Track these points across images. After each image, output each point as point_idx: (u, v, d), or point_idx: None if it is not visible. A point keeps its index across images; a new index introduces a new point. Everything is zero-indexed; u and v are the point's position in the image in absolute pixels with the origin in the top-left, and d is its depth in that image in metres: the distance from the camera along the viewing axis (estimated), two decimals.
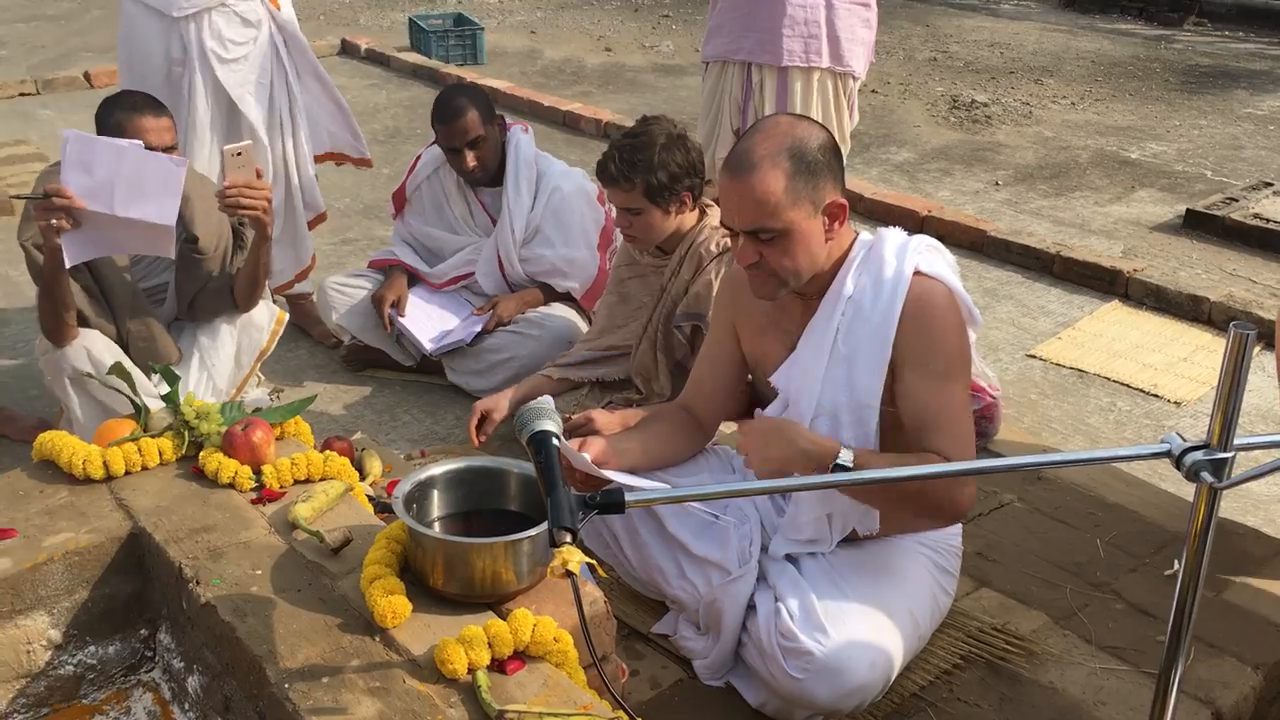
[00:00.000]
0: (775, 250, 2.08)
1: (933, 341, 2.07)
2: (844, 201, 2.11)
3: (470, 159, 3.56)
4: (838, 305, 2.14)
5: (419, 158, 3.83)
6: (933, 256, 2.17)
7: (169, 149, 2.91)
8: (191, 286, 3.16)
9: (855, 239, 2.19)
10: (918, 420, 2.06)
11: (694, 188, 3.04)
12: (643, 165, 2.92)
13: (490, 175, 3.66)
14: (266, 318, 3.28)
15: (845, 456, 1.97)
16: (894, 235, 2.18)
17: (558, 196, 3.66)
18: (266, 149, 3.73)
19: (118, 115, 2.92)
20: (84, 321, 3.00)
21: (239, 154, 2.88)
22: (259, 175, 2.91)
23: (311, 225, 4.02)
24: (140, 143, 2.76)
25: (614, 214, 3.79)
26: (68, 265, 2.78)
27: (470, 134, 3.53)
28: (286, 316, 3.37)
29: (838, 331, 2.14)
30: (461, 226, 3.81)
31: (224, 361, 3.20)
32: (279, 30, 3.68)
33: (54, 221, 2.65)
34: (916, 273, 2.11)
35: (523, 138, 3.70)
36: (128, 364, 2.84)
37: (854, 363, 2.12)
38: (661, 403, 3.13)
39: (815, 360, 2.16)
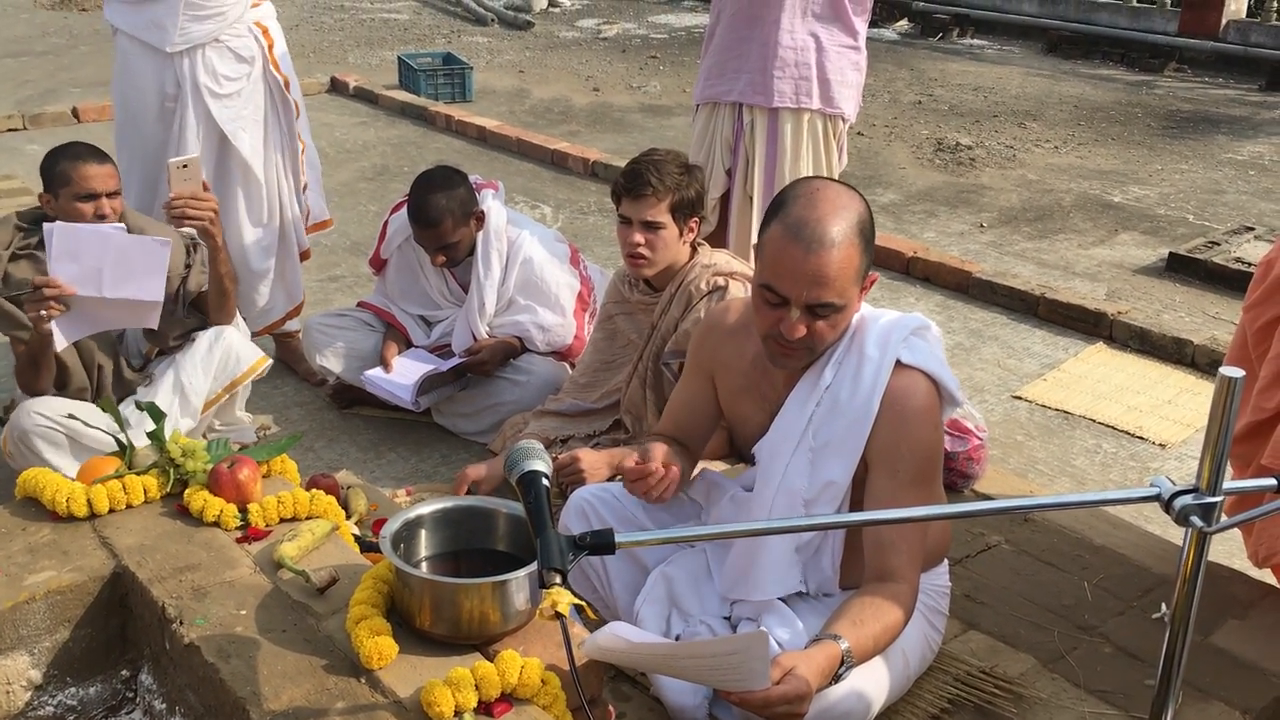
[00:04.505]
0: (824, 325, 2.04)
1: (905, 445, 2.06)
2: (876, 275, 2.12)
3: (438, 258, 3.55)
4: (813, 394, 2.14)
5: (386, 224, 3.77)
6: (917, 343, 2.13)
7: (113, 194, 3.02)
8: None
9: None
10: (875, 530, 2.06)
11: (700, 219, 3.09)
12: (674, 178, 2.96)
13: (460, 260, 3.63)
14: (250, 354, 3.31)
15: (844, 646, 1.90)
16: (877, 323, 2.15)
17: (529, 267, 3.61)
18: (262, 184, 3.75)
19: (62, 164, 3.00)
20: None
21: (184, 165, 2.96)
22: (205, 188, 2.98)
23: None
24: (123, 226, 2.88)
25: (589, 272, 3.81)
26: (59, 347, 2.87)
27: (441, 242, 3.49)
28: (270, 364, 3.39)
29: (811, 420, 2.14)
30: (438, 298, 3.78)
31: (199, 372, 3.22)
32: (271, 66, 3.70)
33: (44, 312, 2.74)
34: (898, 364, 2.09)
35: (493, 204, 3.62)
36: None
37: (826, 453, 2.12)
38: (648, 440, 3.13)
39: (786, 444, 2.16)
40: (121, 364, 3.23)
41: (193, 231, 3.14)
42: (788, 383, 2.20)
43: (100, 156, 3.04)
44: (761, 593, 2.20)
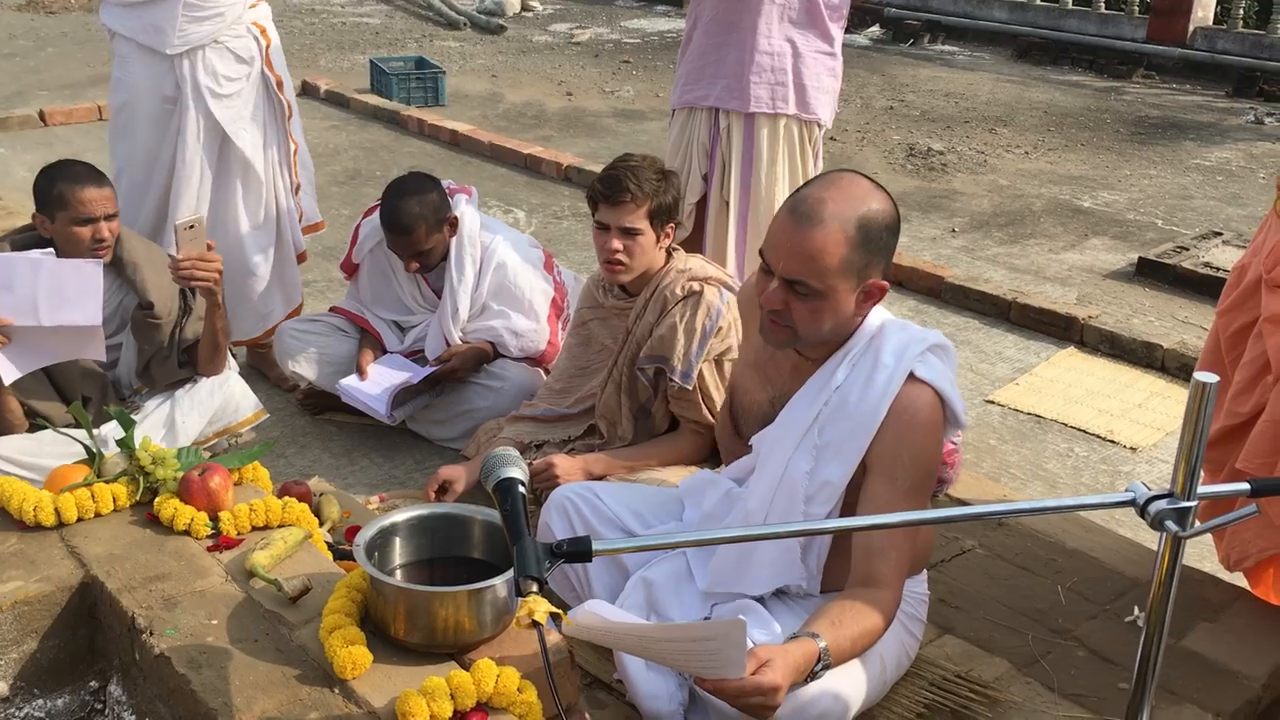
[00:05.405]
0: (804, 307, 2.04)
1: (906, 455, 2.06)
2: (885, 285, 2.09)
3: (412, 265, 3.53)
4: (823, 392, 2.14)
5: (358, 228, 3.75)
6: (932, 360, 2.13)
7: (110, 217, 3.00)
8: (149, 350, 3.19)
9: (863, 319, 2.16)
10: (866, 535, 2.06)
11: (676, 224, 3.09)
12: (652, 184, 2.95)
13: (433, 266, 3.61)
14: (250, 406, 3.35)
15: (821, 644, 1.91)
16: (898, 333, 2.14)
17: (502, 272, 3.60)
18: (263, 183, 3.74)
19: (60, 186, 2.96)
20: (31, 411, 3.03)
21: (191, 227, 2.94)
22: (210, 248, 2.97)
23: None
24: (53, 251, 2.87)
25: (562, 277, 3.80)
26: (7, 382, 2.84)
27: (415, 248, 3.47)
28: (265, 416, 3.42)
29: (817, 418, 2.14)
30: (411, 303, 3.76)
31: (194, 414, 3.19)
32: (268, 67, 3.69)
33: None
34: (911, 376, 2.08)
35: (466, 210, 3.61)
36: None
37: (827, 452, 2.12)
38: (623, 445, 3.12)
39: (790, 438, 2.16)
40: (110, 401, 3.19)
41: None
42: (795, 375, 2.21)
43: (98, 179, 3.01)
44: (754, 588, 2.19)
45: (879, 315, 2.19)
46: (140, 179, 3.67)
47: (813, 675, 1.91)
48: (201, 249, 2.94)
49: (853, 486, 2.13)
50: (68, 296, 2.79)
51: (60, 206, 2.94)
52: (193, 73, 3.55)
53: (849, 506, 2.14)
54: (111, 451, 2.26)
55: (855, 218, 2.00)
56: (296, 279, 4.01)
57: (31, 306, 2.76)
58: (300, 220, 3.97)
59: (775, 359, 2.26)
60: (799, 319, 2.05)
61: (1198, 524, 1.46)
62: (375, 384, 3.54)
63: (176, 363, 3.22)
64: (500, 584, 1.75)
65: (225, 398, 3.28)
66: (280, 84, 3.74)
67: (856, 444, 2.09)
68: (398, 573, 1.93)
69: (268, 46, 3.69)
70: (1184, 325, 4.74)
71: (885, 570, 2.04)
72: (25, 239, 3.05)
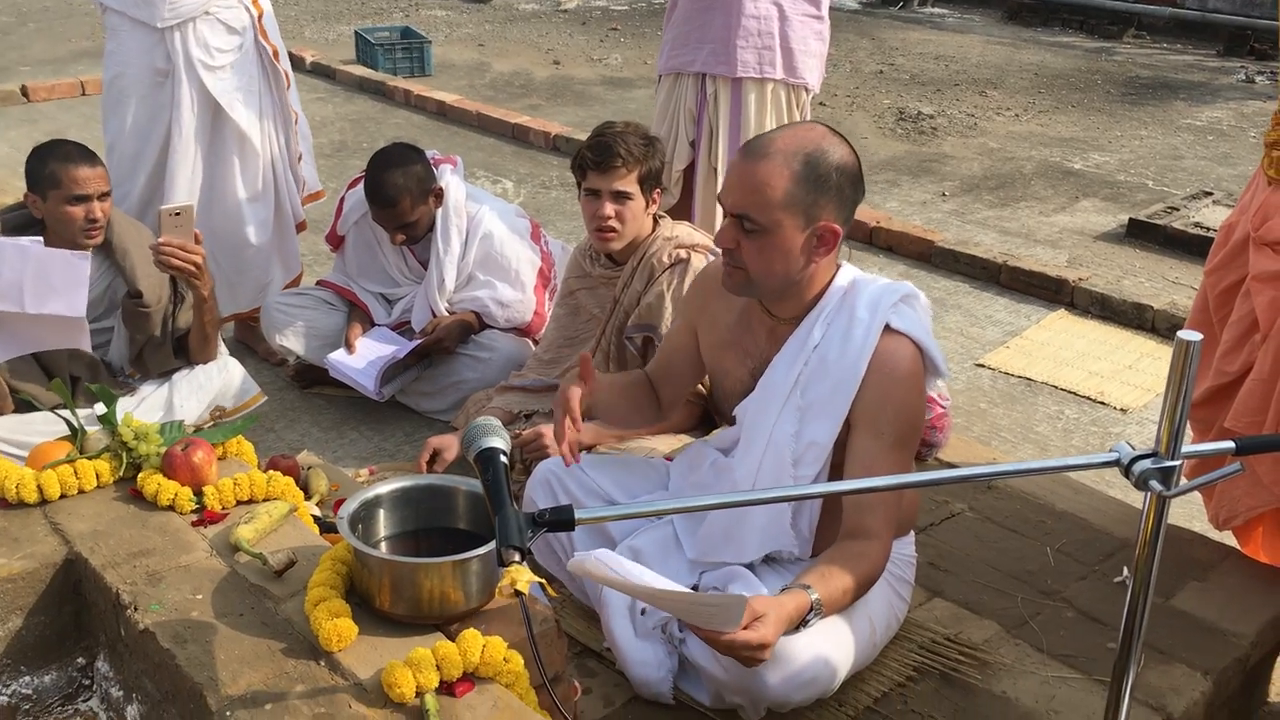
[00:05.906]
0: (752, 245, 2.04)
1: (890, 407, 2.06)
2: (838, 229, 2.06)
3: (398, 237, 3.52)
4: (801, 352, 2.14)
5: (343, 200, 3.73)
6: (905, 310, 2.13)
7: (104, 195, 2.99)
8: (140, 338, 3.18)
9: (833, 278, 2.16)
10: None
11: (662, 190, 3.09)
12: (640, 149, 2.94)
13: (419, 238, 3.59)
14: (248, 390, 3.35)
15: (813, 597, 1.94)
16: (869, 286, 2.14)
17: (489, 242, 3.58)
18: (259, 155, 3.72)
19: (52, 165, 2.94)
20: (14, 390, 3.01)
21: (177, 214, 2.92)
22: (197, 240, 2.94)
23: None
24: (41, 239, 2.84)
25: (549, 247, 3.78)
26: None
27: (399, 220, 3.45)
28: (263, 400, 3.40)
29: (798, 380, 2.13)
30: (397, 275, 3.74)
31: (193, 398, 3.20)
32: (260, 36, 3.66)
33: None
34: (887, 329, 2.08)
35: (452, 180, 3.59)
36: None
37: (810, 412, 2.12)
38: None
39: (773, 403, 2.16)
40: (101, 382, 3.18)
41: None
42: (771, 340, 2.21)
43: (91, 158, 2.99)
44: (744, 555, 2.20)
45: (849, 273, 2.19)
46: (132, 154, 3.65)
47: (804, 623, 1.94)
48: (187, 238, 2.92)
49: (839, 445, 2.13)
50: (53, 286, 2.78)
51: (52, 185, 2.93)
52: (184, 45, 3.53)
53: (836, 466, 2.15)
54: (95, 428, 2.24)
55: (802, 153, 2.01)
56: (295, 249, 4.00)
57: (16, 293, 2.75)
58: (302, 190, 3.95)
59: (750, 329, 2.25)
60: (748, 258, 2.06)
61: (1183, 482, 1.46)
62: (362, 358, 3.53)
63: (171, 350, 3.20)
64: (485, 554, 1.74)
65: (225, 381, 3.27)
66: (276, 54, 3.71)
67: (839, 401, 2.09)
68: (383, 545, 1.93)
69: (259, 16, 3.66)
70: (1174, 286, 4.74)
71: (874, 524, 2.06)
72: (16, 218, 3.03)
